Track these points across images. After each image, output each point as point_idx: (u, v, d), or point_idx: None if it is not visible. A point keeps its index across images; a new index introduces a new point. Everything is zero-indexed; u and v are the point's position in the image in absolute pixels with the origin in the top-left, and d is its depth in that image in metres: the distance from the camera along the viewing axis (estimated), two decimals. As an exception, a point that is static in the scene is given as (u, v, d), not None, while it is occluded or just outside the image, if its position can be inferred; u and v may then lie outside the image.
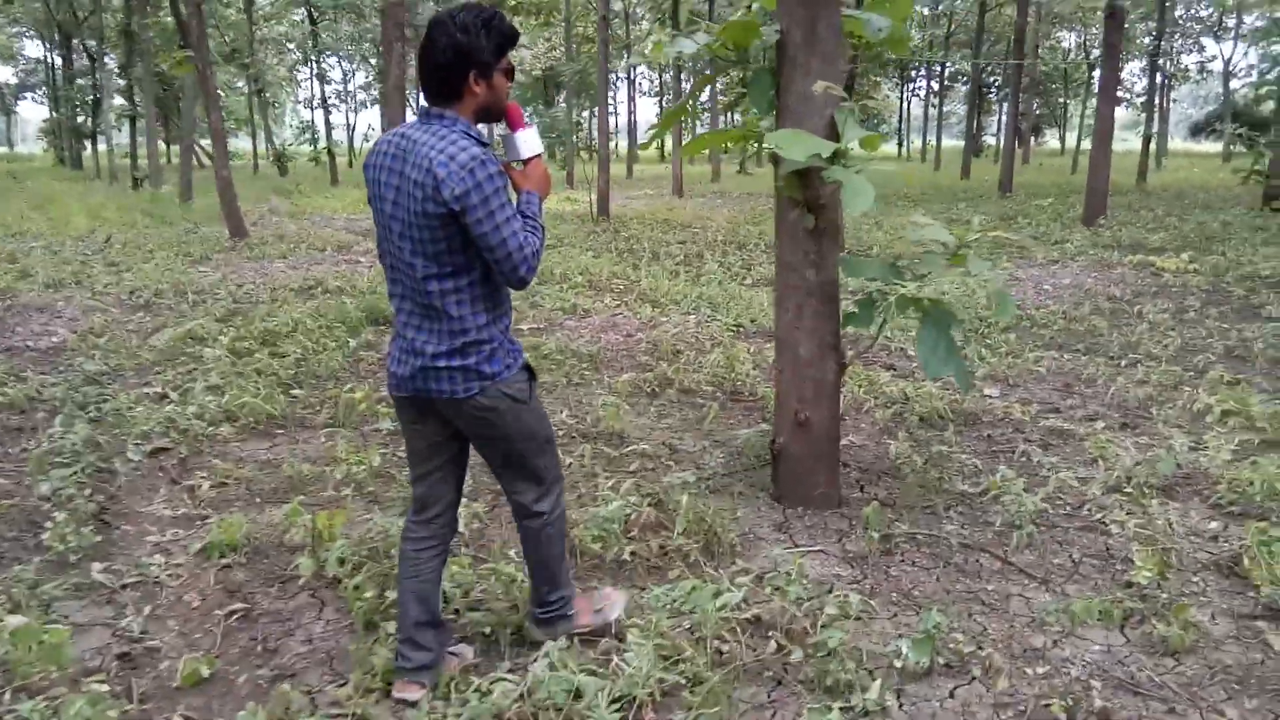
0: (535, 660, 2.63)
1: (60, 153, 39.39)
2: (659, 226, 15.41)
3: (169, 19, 21.71)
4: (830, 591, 3.16)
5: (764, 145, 3.57)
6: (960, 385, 3.52)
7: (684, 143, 3.64)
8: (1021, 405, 5.30)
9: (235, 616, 3.07)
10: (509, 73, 2.43)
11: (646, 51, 3.75)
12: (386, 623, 2.89)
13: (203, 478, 4.22)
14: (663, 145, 43.14)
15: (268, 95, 41.75)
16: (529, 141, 2.55)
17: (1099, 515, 3.80)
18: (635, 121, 46.61)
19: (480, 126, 2.48)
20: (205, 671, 2.72)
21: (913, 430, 4.92)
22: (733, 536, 3.57)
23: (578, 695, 2.47)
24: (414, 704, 2.51)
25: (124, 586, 3.26)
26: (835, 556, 3.49)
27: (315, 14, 31.01)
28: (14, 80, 52.67)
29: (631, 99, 46.25)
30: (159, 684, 2.71)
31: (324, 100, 34.77)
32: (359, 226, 15.55)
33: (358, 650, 2.74)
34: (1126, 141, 47.48)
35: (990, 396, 5.61)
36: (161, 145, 34.49)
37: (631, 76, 45.27)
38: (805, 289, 3.79)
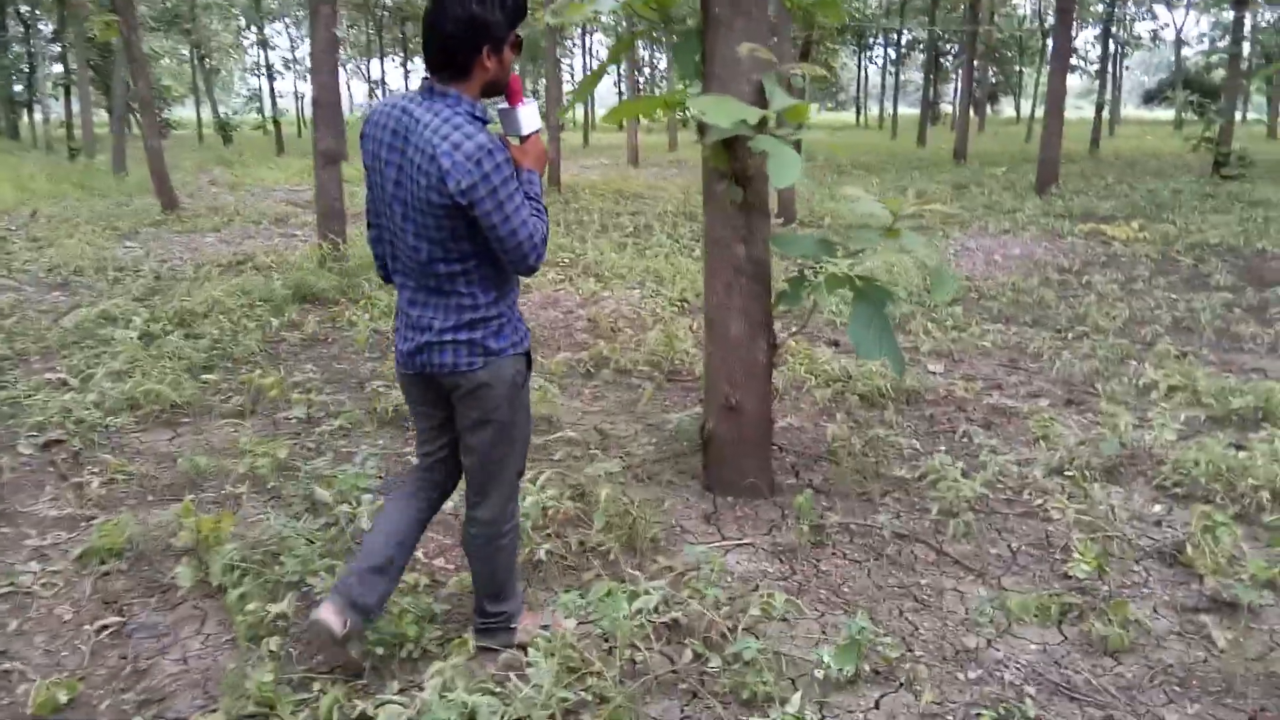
0: (427, 679, 2.41)
1: (-4, 122, 38.01)
2: (611, 197, 15.11)
3: (100, -19, 20.80)
4: (756, 590, 2.97)
5: (690, 112, 3.33)
6: (893, 369, 3.33)
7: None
8: (965, 382, 5.15)
9: (107, 632, 2.80)
10: (517, 45, 2.28)
11: (562, 10, 3.48)
12: (271, 637, 2.65)
13: (93, 473, 3.92)
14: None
15: (212, 62, 40.50)
16: (530, 117, 2.37)
17: (1039, 501, 3.64)
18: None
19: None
20: (64, 697, 2.46)
21: (852, 411, 4.74)
22: (656, 530, 3.36)
23: (471, 719, 2.26)
24: (333, 635, 2.37)
25: (-11, 598, 2.98)
26: (764, 551, 3.30)
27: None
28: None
29: (588, 68, 45.56)
30: (13, 712, 2.45)
31: (268, 68, 33.74)
32: (300, 198, 15.05)
33: (232, 673, 2.50)
34: (1081, 110, 47.71)
35: (934, 373, 5.46)
36: (105, 115, 33.40)
37: (588, 44, 44.58)
38: (735, 266, 3.57)
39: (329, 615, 2.39)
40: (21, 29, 33.20)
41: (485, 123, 2.22)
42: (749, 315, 3.60)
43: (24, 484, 3.89)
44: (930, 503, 3.62)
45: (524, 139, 2.39)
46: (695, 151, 23.08)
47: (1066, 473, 3.90)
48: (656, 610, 2.74)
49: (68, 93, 29.95)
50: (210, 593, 2.98)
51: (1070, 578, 3.07)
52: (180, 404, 4.77)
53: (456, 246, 2.25)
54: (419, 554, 3.18)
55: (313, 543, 3.16)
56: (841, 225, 11.48)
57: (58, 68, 33.53)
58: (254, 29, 33.54)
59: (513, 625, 2.66)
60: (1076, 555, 3.15)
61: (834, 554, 3.28)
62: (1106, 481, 3.84)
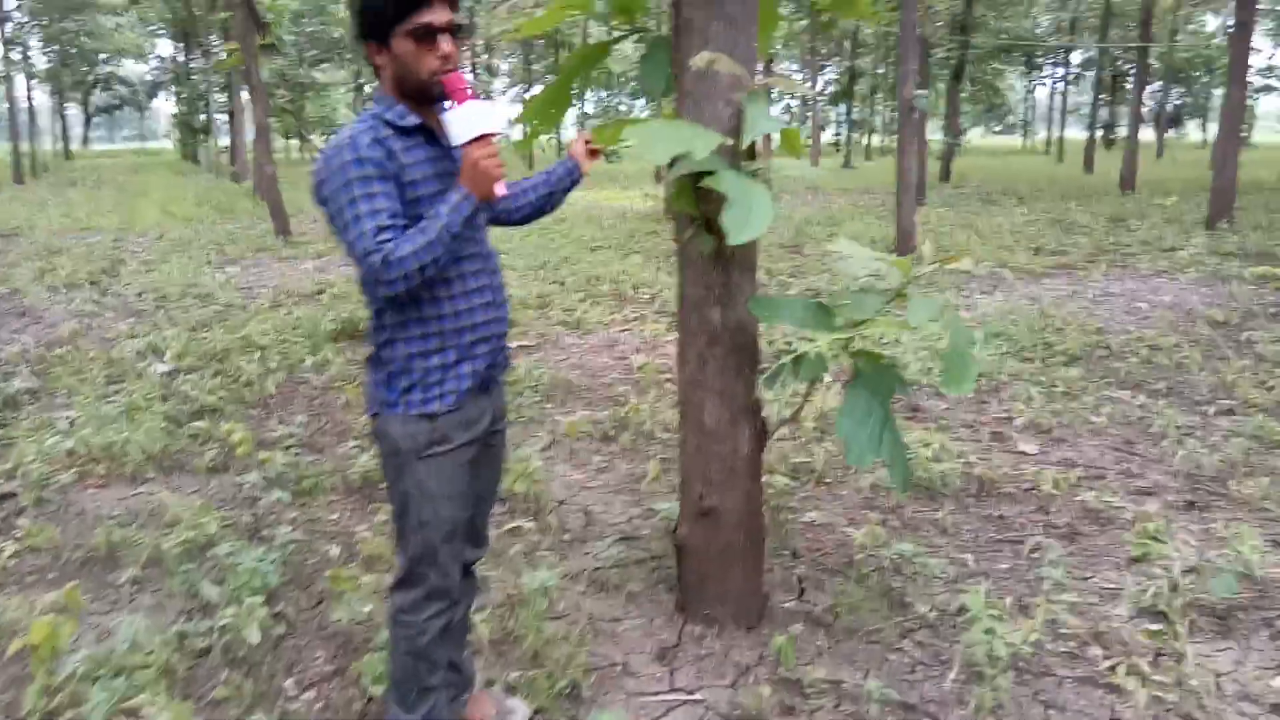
0: None
1: (184, 147, 40.92)
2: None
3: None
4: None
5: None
6: (895, 482, 2.49)
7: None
8: (1059, 470, 4.16)
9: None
10: (420, 35, 1.94)
11: (513, 23, 2.85)
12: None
13: (14, 538, 3.55)
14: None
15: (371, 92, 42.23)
16: (465, 119, 1.91)
17: (1111, 661, 2.70)
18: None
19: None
20: None
21: (901, 505, 3.86)
22: (585, 669, 2.65)
23: None
24: None
25: None
26: (716, 715, 2.53)
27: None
28: (148, 78, 55.28)
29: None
30: None
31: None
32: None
33: None
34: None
35: (1025, 453, 4.48)
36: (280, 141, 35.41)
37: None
38: (709, 334, 2.82)
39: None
40: (202, 59, 35.64)
41: (397, 127, 1.98)
42: (728, 396, 2.84)
43: (-55, 546, 3.56)
44: (959, 652, 2.75)
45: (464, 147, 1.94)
46: (834, 177, 21.96)
47: (1161, 611, 2.93)
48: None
49: (231, 118, 31.80)
50: (17, 724, 2.48)
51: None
52: (156, 455, 4.40)
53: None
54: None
55: (166, 664, 2.62)
56: (976, 261, 10.36)
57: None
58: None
59: None
60: (1144, 764, 2.24)
61: (806, 727, 2.47)
62: (1215, 634, 2.85)
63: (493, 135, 1.96)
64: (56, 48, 40.95)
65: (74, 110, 56.55)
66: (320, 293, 8.77)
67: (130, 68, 54.30)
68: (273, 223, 12.88)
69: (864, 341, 2.54)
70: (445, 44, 1.97)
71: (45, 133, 49.94)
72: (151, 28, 43.22)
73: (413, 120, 2.02)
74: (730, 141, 2.48)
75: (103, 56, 47.57)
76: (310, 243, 12.42)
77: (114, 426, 4.58)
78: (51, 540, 3.54)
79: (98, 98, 55.32)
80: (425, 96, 2.01)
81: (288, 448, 4.46)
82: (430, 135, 2.06)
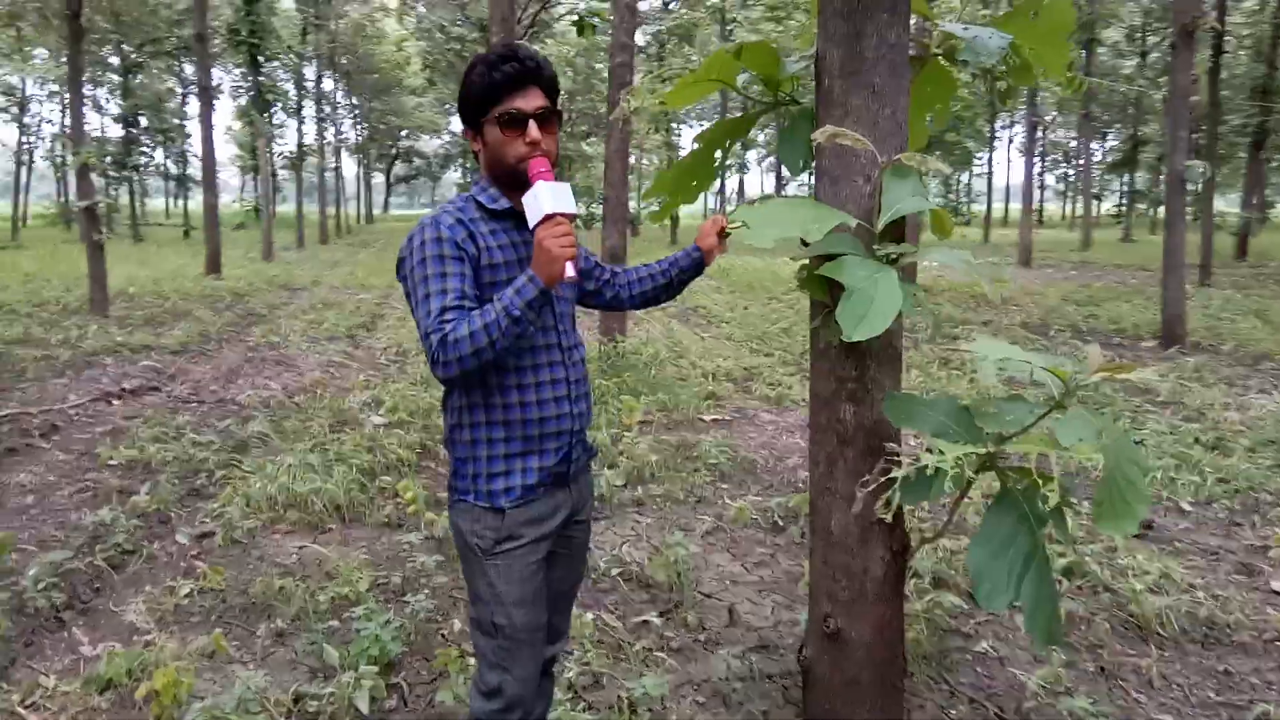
0: None
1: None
2: (967, 302, 13.53)
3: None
4: None
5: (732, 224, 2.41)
6: (1034, 637, 2.06)
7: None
8: (1319, 621, 3.39)
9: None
10: (507, 121, 1.96)
11: (630, 102, 2.73)
12: None
13: (191, 578, 3.81)
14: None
15: (639, 164, 44.28)
16: (539, 199, 1.87)
17: None
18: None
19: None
20: None
21: (1101, 641, 3.28)
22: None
23: None
24: None
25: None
26: None
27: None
28: (441, 151, 61.42)
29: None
30: None
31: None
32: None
33: None
34: None
35: (1277, 593, 3.71)
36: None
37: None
38: (840, 434, 2.51)
39: None
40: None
41: (489, 209, 2.01)
42: (860, 506, 2.52)
43: (141, 578, 3.88)
44: None
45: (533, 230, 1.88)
46: (1114, 252, 20.47)
47: None
48: None
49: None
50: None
51: None
52: (342, 506, 4.63)
53: None
54: None
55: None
56: (1254, 353, 9.06)
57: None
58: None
59: None
60: None
61: None
62: None
63: (563, 215, 1.87)
64: (366, 124, 46.27)
65: (378, 179, 63.76)
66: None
67: (426, 143, 60.51)
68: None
69: (1008, 459, 2.16)
70: (534, 130, 1.96)
71: (352, 199, 56.39)
72: (446, 106, 48.06)
73: (503, 204, 2.03)
74: (854, 223, 2.21)
75: (404, 132, 53.24)
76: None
77: (315, 476, 4.87)
78: (225, 583, 3.76)
79: (398, 168, 62.09)
80: (514, 181, 1.98)
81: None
82: (520, 220, 2.02)
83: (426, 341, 1.84)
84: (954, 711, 2.86)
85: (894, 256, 2.29)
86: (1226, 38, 18.35)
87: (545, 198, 1.86)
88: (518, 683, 2.02)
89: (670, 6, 33.03)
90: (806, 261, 2.42)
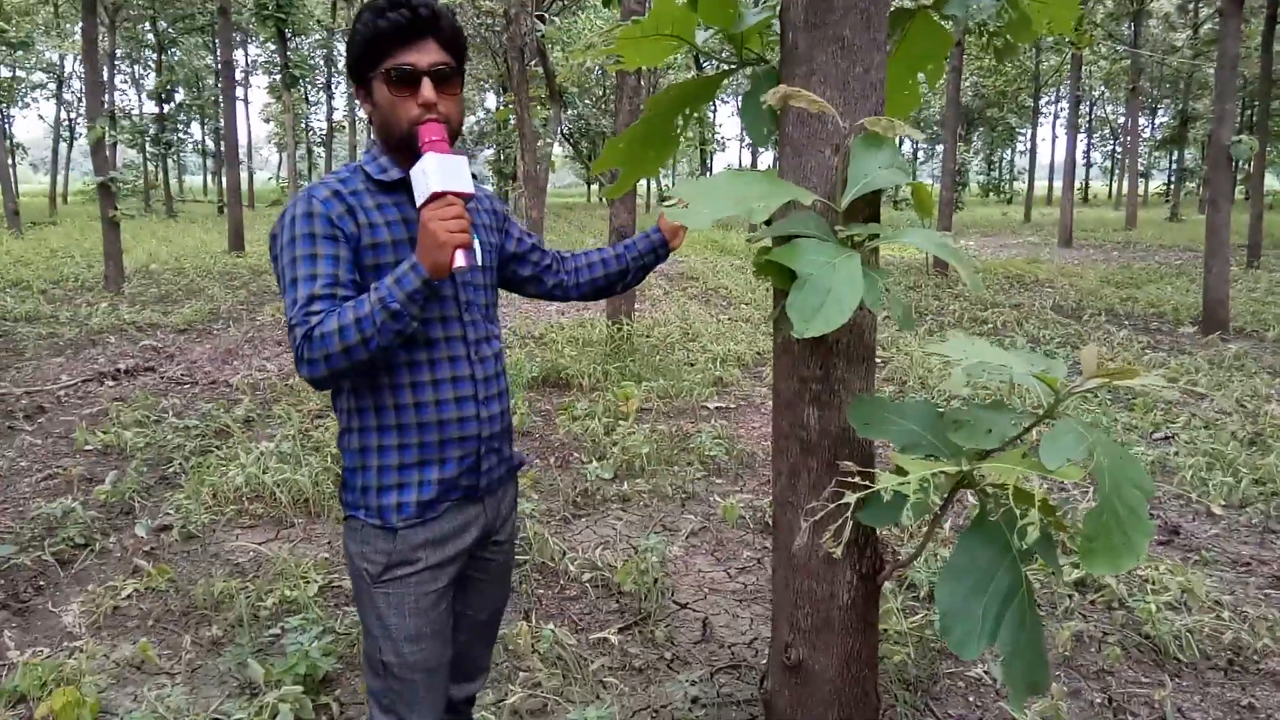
0: None
1: (500, 194, 44.85)
2: (1005, 284, 13.03)
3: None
4: None
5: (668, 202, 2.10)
6: (1011, 690, 1.74)
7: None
8: (1362, 649, 3.02)
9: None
10: (396, 78, 1.66)
11: (592, 52, 2.42)
12: None
13: (138, 576, 3.59)
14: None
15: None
16: (427, 174, 1.57)
17: None
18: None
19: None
20: None
21: (1113, 669, 2.94)
22: None
23: None
24: None
25: None
26: None
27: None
28: (475, 128, 61.12)
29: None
30: None
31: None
32: (667, 269, 15.04)
33: None
34: None
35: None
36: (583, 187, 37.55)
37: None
38: (802, 441, 2.20)
39: None
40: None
41: (376, 180, 1.71)
42: (823, 525, 2.21)
43: (90, 575, 3.68)
44: None
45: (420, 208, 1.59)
46: (1161, 231, 19.85)
47: None
48: None
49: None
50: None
51: None
52: (309, 499, 4.39)
53: None
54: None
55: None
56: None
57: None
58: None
59: None
60: None
61: None
62: None
63: (456, 194, 1.57)
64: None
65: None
66: (541, 336, 8.79)
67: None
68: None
69: (986, 478, 1.84)
70: (427, 89, 1.66)
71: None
72: (482, 84, 47.75)
73: (394, 175, 1.73)
74: (810, 199, 1.89)
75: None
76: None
77: (286, 466, 4.65)
78: (169, 583, 3.54)
79: (433, 145, 61.83)
80: (407, 148, 1.69)
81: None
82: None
83: (291, 335, 1.57)
84: (938, 749, 2.56)
85: (860, 239, 1.98)
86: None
87: (434, 172, 1.57)
88: None
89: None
90: (768, 243, 2.10)
